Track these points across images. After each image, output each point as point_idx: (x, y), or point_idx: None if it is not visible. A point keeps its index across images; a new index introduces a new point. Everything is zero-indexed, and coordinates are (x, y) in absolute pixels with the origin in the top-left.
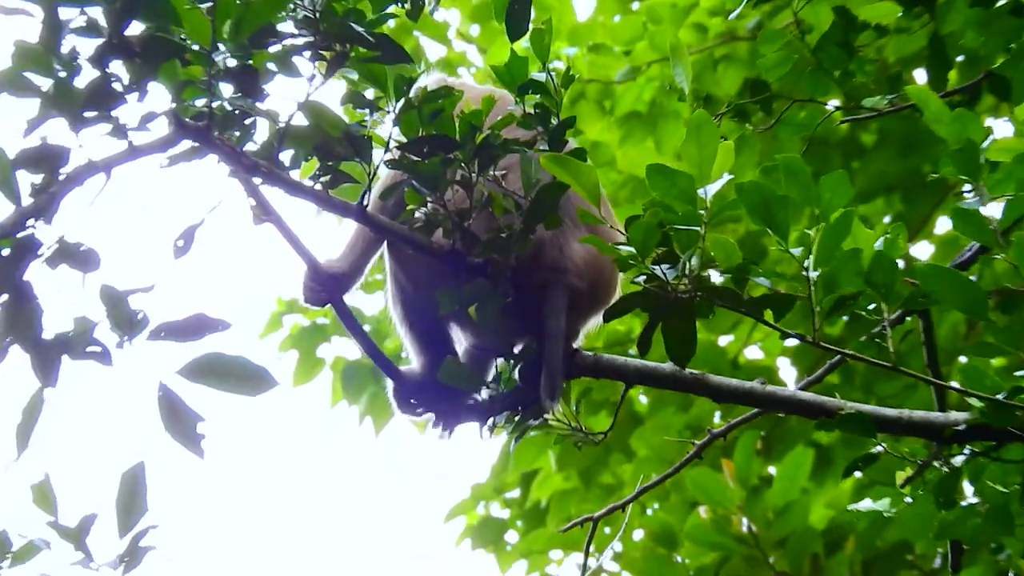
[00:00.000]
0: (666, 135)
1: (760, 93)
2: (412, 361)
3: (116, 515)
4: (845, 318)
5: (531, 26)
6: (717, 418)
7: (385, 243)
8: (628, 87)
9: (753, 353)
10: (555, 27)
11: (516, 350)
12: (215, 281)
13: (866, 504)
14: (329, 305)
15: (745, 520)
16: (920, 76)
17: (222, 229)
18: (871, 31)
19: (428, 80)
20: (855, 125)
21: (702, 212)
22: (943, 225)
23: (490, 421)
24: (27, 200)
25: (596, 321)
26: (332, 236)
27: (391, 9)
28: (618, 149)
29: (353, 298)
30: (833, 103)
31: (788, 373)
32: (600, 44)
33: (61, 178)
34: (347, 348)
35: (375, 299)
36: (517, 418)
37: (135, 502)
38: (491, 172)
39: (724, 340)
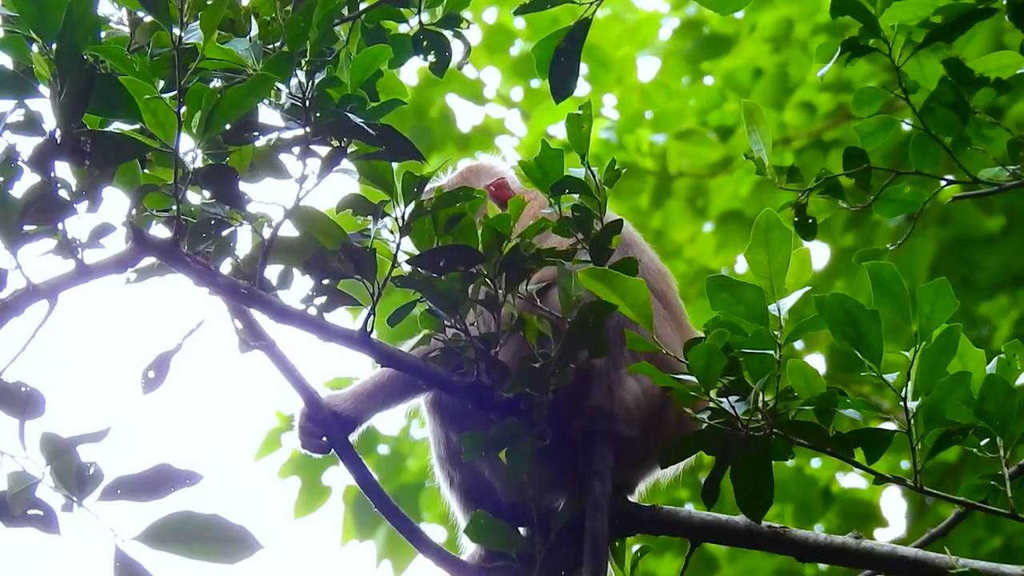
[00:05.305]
0: None
1: (855, 165)
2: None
3: None
4: None
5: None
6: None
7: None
8: (723, 181)
9: (851, 480)
10: (625, 96)
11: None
12: (198, 408)
13: None
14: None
15: None
16: None
17: (205, 352)
18: (989, 88)
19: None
20: (981, 207)
21: (776, 333)
22: None
23: None
24: None
25: (657, 471)
26: (344, 361)
27: (413, 64)
28: (713, 257)
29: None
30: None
31: (898, 505)
32: (692, 131)
33: None
34: None
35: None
36: None
37: None
38: (522, 289)
39: (814, 462)
